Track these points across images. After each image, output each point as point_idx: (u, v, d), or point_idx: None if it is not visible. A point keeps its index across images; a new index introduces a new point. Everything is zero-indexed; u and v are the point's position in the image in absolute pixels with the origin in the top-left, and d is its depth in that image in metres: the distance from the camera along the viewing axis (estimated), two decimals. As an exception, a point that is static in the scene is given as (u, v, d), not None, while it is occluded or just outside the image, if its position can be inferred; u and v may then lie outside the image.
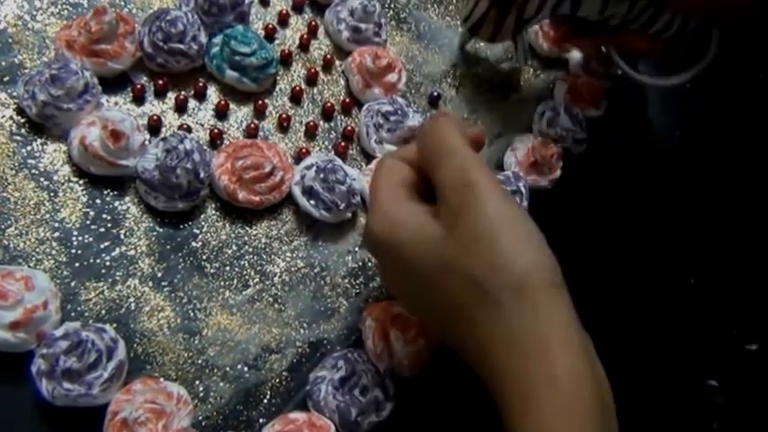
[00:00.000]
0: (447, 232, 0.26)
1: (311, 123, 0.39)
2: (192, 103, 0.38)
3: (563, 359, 0.23)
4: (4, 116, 0.34)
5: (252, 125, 0.38)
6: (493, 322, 0.24)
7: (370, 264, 0.37)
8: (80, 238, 0.33)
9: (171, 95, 0.37)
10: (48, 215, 0.33)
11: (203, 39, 0.38)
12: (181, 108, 0.37)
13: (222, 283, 0.34)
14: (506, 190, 0.26)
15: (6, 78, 0.35)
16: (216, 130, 0.37)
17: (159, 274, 0.33)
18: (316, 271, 0.36)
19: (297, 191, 0.36)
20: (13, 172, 0.33)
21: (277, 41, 0.41)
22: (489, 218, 0.25)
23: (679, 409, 0.39)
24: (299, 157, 0.38)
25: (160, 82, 0.37)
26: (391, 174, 0.29)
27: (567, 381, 0.23)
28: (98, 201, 0.34)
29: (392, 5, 0.46)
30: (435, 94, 0.43)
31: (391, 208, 0.27)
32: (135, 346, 0.31)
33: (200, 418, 0.31)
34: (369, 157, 0.40)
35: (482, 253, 0.24)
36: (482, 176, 0.26)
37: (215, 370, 0.32)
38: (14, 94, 0.34)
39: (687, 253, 0.44)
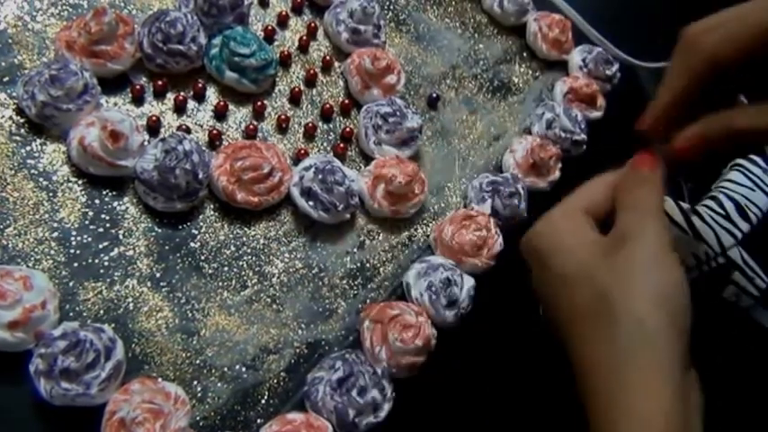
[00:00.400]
0: (605, 252, 0.27)
1: (310, 124, 0.40)
2: (191, 104, 0.38)
3: (654, 397, 0.23)
4: (3, 116, 0.34)
5: (251, 126, 0.38)
6: (607, 342, 0.25)
7: (368, 265, 0.37)
8: (79, 238, 0.33)
9: (170, 96, 0.38)
10: (47, 215, 0.33)
11: (203, 40, 0.38)
12: (180, 109, 0.37)
13: (220, 284, 0.34)
14: (673, 250, 0.27)
15: (6, 79, 0.35)
16: (215, 131, 0.37)
17: (158, 275, 0.33)
18: (314, 272, 0.36)
19: (295, 192, 0.36)
20: (13, 172, 0.33)
21: (276, 43, 0.42)
22: (647, 253, 0.26)
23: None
24: (298, 158, 0.38)
25: (159, 83, 0.37)
26: (583, 196, 0.30)
27: (657, 424, 0.23)
28: (97, 201, 0.34)
29: (391, 7, 0.46)
30: (434, 95, 0.43)
31: (564, 222, 0.29)
32: (133, 346, 0.31)
33: (198, 418, 0.31)
34: (367, 158, 0.40)
35: (624, 280, 0.25)
36: (657, 225, 0.27)
37: (213, 370, 0.32)
38: (14, 94, 0.34)
39: (678, 198, 0.44)
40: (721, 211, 0.40)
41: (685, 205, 0.40)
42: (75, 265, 0.32)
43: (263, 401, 0.32)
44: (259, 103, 0.39)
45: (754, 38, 0.27)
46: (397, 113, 0.39)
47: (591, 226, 0.29)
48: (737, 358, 0.39)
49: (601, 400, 0.24)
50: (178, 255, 0.34)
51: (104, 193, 0.34)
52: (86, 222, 0.33)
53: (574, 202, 0.30)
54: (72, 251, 0.32)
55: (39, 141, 0.34)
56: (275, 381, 0.33)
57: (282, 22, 0.42)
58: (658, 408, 0.23)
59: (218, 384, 0.32)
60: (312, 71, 0.41)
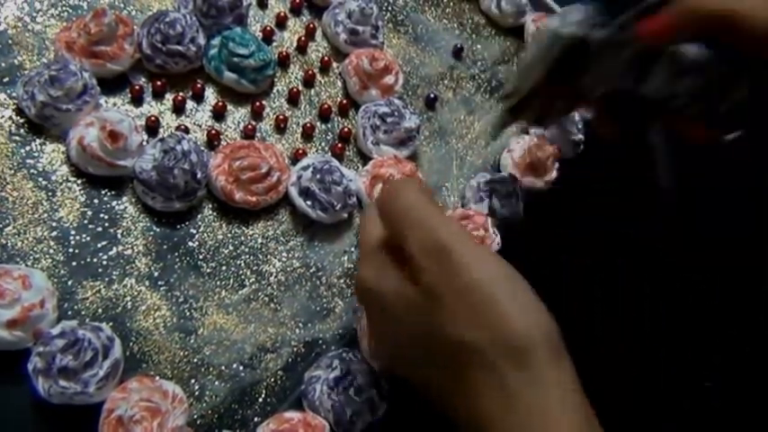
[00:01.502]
0: (432, 300, 0.24)
1: (308, 125, 0.40)
2: (189, 104, 0.38)
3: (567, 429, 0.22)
4: (3, 116, 0.34)
5: (249, 126, 0.38)
6: (490, 389, 0.23)
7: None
8: (78, 238, 0.33)
9: (169, 96, 0.38)
10: (46, 214, 0.33)
11: (202, 40, 0.38)
12: (179, 109, 0.38)
13: (218, 283, 0.34)
14: (486, 247, 0.25)
15: (6, 79, 0.35)
16: (213, 131, 0.37)
17: (156, 274, 0.33)
18: (312, 271, 0.36)
19: (293, 191, 0.37)
20: (12, 171, 0.33)
21: (275, 43, 0.42)
22: (475, 280, 0.23)
23: (676, 410, 0.39)
24: (296, 158, 0.38)
25: (158, 83, 0.37)
26: (367, 233, 0.27)
27: None
28: (96, 200, 0.34)
29: (389, 8, 0.46)
30: (432, 95, 0.43)
31: (375, 280, 0.26)
32: (131, 344, 0.32)
33: (196, 416, 0.31)
34: (365, 158, 0.40)
35: (474, 317, 0.23)
36: (455, 238, 0.24)
37: (210, 369, 0.32)
38: (14, 94, 0.34)
39: (685, 251, 0.44)
40: None
41: None
42: (74, 264, 0.32)
43: (260, 400, 0.32)
44: (257, 104, 0.39)
45: None
46: (395, 114, 0.39)
47: (392, 264, 0.25)
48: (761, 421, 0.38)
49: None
50: (176, 254, 0.34)
51: (103, 192, 0.34)
52: (85, 222, 0.33)
53: (365, 242, 0.27)
54: (71, 250, 0.33)
55: (38, 141, 0.34)
56: (273, 379, 0.33)
57: (281, 22, 0.42)
58: None
59: (216, 383, 0.32)
60: (310, 72, 0.41)
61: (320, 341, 0.35)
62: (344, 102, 0.41)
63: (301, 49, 0.42)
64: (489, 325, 0.23)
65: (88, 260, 0.33)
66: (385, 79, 0.41)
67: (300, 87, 0.41)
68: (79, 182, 0.34)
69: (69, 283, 0.32)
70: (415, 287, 0.24)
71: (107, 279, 0.33)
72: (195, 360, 0.32)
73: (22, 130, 0.34)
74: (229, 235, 0.36)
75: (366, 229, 0.28)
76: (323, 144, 0.40)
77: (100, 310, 0.32)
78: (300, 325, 0.35)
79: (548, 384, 0.22)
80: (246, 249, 0.36)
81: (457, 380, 0.24)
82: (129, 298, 0.33)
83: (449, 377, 0.24)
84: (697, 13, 0.28)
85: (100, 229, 0.34)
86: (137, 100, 0.37)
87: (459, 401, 0.24)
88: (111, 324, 0.31)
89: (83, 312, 0.32)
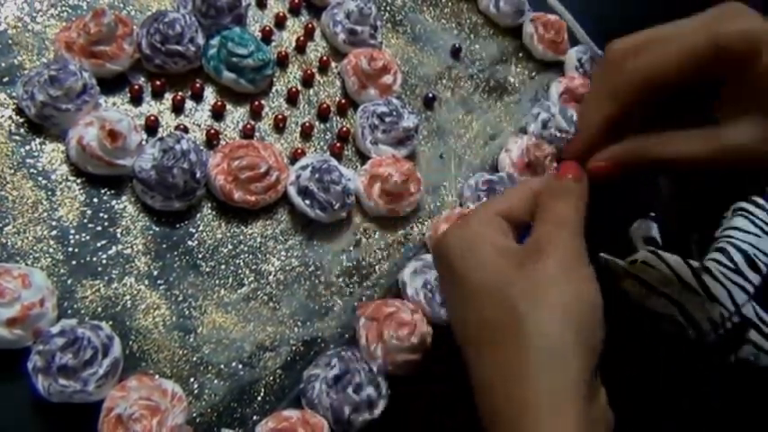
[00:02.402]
0: (519, 263, 0.25)
1: (307, 124, 0.40)
2: (189, 104, 0.38)
3: (564, 425, 0.22)
4: (3, 116, 0.34)
5: (248, 126, 0.38)
6: (512, 358, 0.24)
7: (364, 263, 0.38)
8: (77, 237, 0.33)
9: (168, 96, 0.38)
10: (45, 214, 0.33)
11: (201, 40, 0.38)
12: (178, 109, 0.38)
13: (217, 282, 0.34)
14: (589, 263, 0.26)
15: (6, 79, 0.35)
16: (212, 131, 0.38)
17: (155, 273, 0.34)
18: (310, 270, 0.36)
19: (292, 191, 0.37)
20: (12, 171, 0.33)
21: (274, 43, 0.42)
22: (556, 268, 0.25)
23: (674, 411, 0.40)
24: (295, 157, 0.39)
25: (158, 83, 0.38)
26: (503, 201, 0.28)
27: None
28: (95, 200, 0.34)
29: (388, 8, 0.46)
30: (430, 95, 0.44)
31: (481, 228, 0.27)
32: (130, 343, 0.32)
33: (195, 415, 0.31)
34: (364, 157, 0.40)
35: (535, 295, 0.24)
36: (572, 240, 0.26)
37: (210, 367, 0.32)
38: (14, 94, 0.35)
39: (686, 251, 0.44)
40: (731, 265, 0.39)
41: (695, 263, 0.39)
42: (74, 263, 0.33)
43: (259, 398, 0.32)
44: (256, 103, 0.39)
45: (686, 62, 0.26)
46: (394, 113, 0.39)
47: (507, 233, 0.27)
48: (761, 421, 0.38)
49: (502, 421, 0.23)
50: (176, 253, 0.34)
51: (103, 191, 0.35)
52: (85, 221, 0.34)
53: (493, 206, 0.28)
54: (70, 249, 0.33)
55: (38, 141, 0.34)
56: (271, 378, 0.33)
57: (280, 22, 0.43)
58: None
59: (215, 381, 0.32)
60: (309, 71, 0.41)
61: (319, 340, 0.35)
62: (343, 101, 0.41)
63: (300, 48, 0.42)
64: (540, 309, 0.24)
65: (88, 259, 0.33)
66: (383, 79, 0.41)
67: (299, 87, 0.41)
68: (79, 181, 0.34)
69: (69, 281, 0.32)
70: (511, 246, 0.26)
71: (106, 278, 0.33)
72: (194, 359, 0.32)
73: (21, 130, 0.34)
74: (228, 234, 0.36)
75: (502, 198, 0.29)
76: (321, 143, 0.40)
77: (99, 309, 0.32)
78: (299, 324, 0.35)
79: (559, 373, 0.23)
80: (245, 248, 0.36)
81: (488, 337, 0.25)
82: (128, 297, 0.33)
83: (484, 330, 0.25)
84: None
85: (99, 228, 0.34)
86: (136, 100, 0.37)
87: (481, 359, 0.25)
88: (110, 323, 0.31)
89: (82, 311, 0.32)
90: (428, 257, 0.38)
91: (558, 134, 0.43)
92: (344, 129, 0.41)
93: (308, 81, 0.41)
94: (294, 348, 0.34)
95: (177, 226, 0.35)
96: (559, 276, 0.25)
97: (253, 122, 0.39)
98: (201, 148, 0.36)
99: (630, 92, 0.27)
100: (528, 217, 0.28)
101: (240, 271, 0.35)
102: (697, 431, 0.39)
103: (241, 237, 0.36)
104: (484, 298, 0.25)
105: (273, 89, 0.41)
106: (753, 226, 0.41)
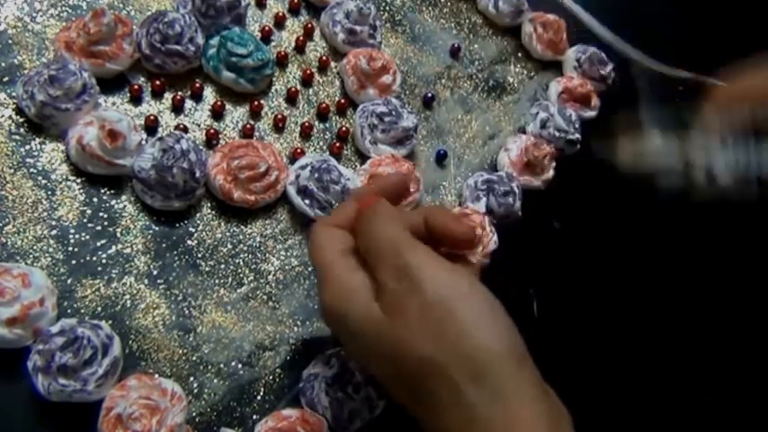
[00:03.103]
0: (395, 316, 0.24)
1: (306, 124, 0.40)
2: (188, 104, 0.38)
3: None
4: (3, 116, 0.35)
5: (248, 125, 0.39)
6: (450, 405, 0.23)
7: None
8: (77, 236, 0.33)
9: (168, 96, 0.38)
10: (45, 213, 0.33)
11: (200, 40, 0.38)
12: (177, 108, 0.38)
13: (217, 281, 0.35)
14: (448, 263, 0.25)
15: (6, 79, 0.35)
16: (212, 131, 0.38)
17: (155, 272, 0.34)
18: (310, 269, 0.36)
19: (291, 190, 0.37)
20: (12, 170, 0.33)
21: (273, 43, 0.42)
22: (432, 296, 0.24)
23: (672, 410, 0.40)
24: (294, 157, 0.39)
25: (157, 83, 0.38)
26: (333, 241, 0.28)
27: None
28: (95, 199, 0.34)
29: (387, 8, 0.46)
30: (429, 95, 0.44)
31: (344, 275, 0.26)
32: (130, 342, 0.32)
33: (194, 414, 0.31)
34: (363, 157, 0.40)
35: (431, 334, 0.23)
36: (416, 256, 0.25)
37: (209, 367, 0.32)
38: (14, 94, 0.35)
39: (683, 249, 0.44)
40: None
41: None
42: (74, 262, 0.33)
43: (258, 398, 0.33)
44: (256, 103, 0.39)
45: None
46: (393, 113, 0.39)
47: (359, 267, 0.26)
48: None
49: None
50: (175, 252, 0.34)
51: (102, 191, 0.35)
52: (84, 220, 0.34)
53: (328, 253, 0.27)
54: (70, 249, 0.33)
55: (38, 140, 0.35)
56: (271, 377, 0.33)
57: (279, 22, 0.43)
58: None
59: (215, 381, 0.32)
60: (308, 71, 0.41)
61: (318, 339, 0.35)
62: (342, 101, 0.41)
63: (299, 48, 0.42)
64: (449, 341, 0.23)
65: (87, 258, 0.33)
66: (383, 79, 0.41)
67: (299, 87, 0.41)
68: (78, 181, 0.34)
69: (69, 281, 0.32)
70: (380, 304, 0.25)
71: (106, 277, 0.33)
72: (194, 358, 0.32)
73: (21, 130, 0.34)
74: (228, 233, 0.36)
75: (320, 247, 0.28)
76: (321, 143, 0.40)
77: (99, 309, 0.32)
78: (299, 323, 0.35)
79: (507, 397, 0.22)
80: (245, 248, 0.36)
81: (420, 395, 0.24)
82: (128, 296, 0.33)
83: (414, 392, 0.25)
84: None
85: (99, 227, 0.34)
86: (136, 99, 0.37)
87: (424, 416, 0.24)
88: (110, 322, 0.31)
89: (82, 310, 0.32)
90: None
91: (557, 134, 0.44)
92: (344, 128, 0.41)
93: (307, 81, 0.41)
94: (293, 348, 0.34)
95: (177, 225, 0.35)
96: (443, 296, 0.24)
97: (252, 122, 0.39)
98: (201, 147, 0.36)
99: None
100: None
101: (240, 270, 0.35)
102: (697, 415, 0.39)
103: (240, 236, 0.36)
104: (388, 361, 0.25)
105: (273, 89, 0.41)
106: None
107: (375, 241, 0.26)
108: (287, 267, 0.36)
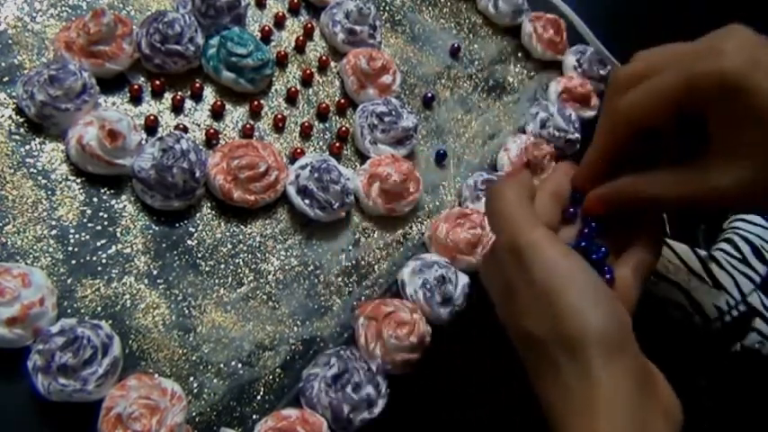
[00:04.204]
0: (509, 294, 0.27)
1: (306, 124, 0.40)
2: (188, 104, 0.38)
3: (606, 426, 0.23)
4: (3, 116, 0.35)
5: (247, 125, 0.39)
6: (550, 379, 0.25)
7: (363, 262, 0.38)
8: (77, 236, 0.33)
9: (168, 96, 0.38)
10: (45, 213, 0.33)
11: (200, 40, 0.38)
12: (177, 108, 0.38)
13: (217, 281, 0.35)
14: (564, 246, 0.26)
15: (6, 79, 0.35)
16: (212, 131, 0.38)
17: (155, 272, 0.34)
18: (309, 269, 0.36)
19: (291, 190, 0.37)
20: (12, 170, 0.33)
21: (273, 43, 0.42)
22: (539, 278, 0.25)
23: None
24: (294, 156, 0.39)
25: (157, 82, 0.38)
26: (519, 187, 0.28)
27: None
28: (95, 199, 0.34)
29: (387, 8, 0.46)
30: (429, 95, 0.44)
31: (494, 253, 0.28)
32: (130, 342, 0.32)
33: (194, 413, 0.31)
34: (363, 157, 0.40)
35: (539, 311, 0.25)
36: (532, 238, 0.26)
37: (209, 367, 0.32)
38: (14, 94, 0.35)
39: (693, 242, 0.44)
40: (738, 255, 0.40)
41: (702, 252, 0.40)
42: (74, 262, 0.33)
43: (258, 397, 0.33)
44: (256, 103, 0.39)
45: (663, 103, 0.26)
46: (393, 113, 0.40)
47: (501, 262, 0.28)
48: (762, 408, 0.38)
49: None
50: (175, 252, 0.34)
51: (102, 191, 0.35)
52: (84, 220, 0.34)
53: (523, 196, 0.28)
54: (70, 249, 0.33)
55: (38, 140, 0.35)
56: (271, 377, 0.33)
57: (279, 22, 0.43)
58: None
59: (214, 380, 0.32)
60: (308, 71, 0.41)
61: (318, 339, 0.35)
62: (342, 101, 0.41)
63: (299, 48, 0.42)
64: (551, 319, 0.25)
65: (87, 258, 0.33)
66: (382, 79, 0.41)
67: (298, 87, 0.41)
68: (78, 181, 0.34)
69: (69, 281, 0.32)
70: (500, 280, 0.27)
71: (106, 277, 0.33)
72: (194, 358, 0.32)
73: (21, 130, 0.35)
74: (228, 233, 0.36)
75: (511, 188, 0.29)
76: (321, 143, 0.40)
77: (99, 308, 0.32)
78: (298, 323, 0.35)
79: (596, 378, 0.24)
80: (245, 248, 0.36)
81: (530, 366, 0.26)
82: (128, 296, 0.33)
83: (526, 363, 0.27)
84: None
85: (99, 227, 0.34)
86: (135, 99, 0.37)
87: (535, 386, 0.26)
88: (110, 322, 0.31)
89: (82, 310, 0.32)
90: (427, 257, 0.38)
91: (557, 133, 0.44)
92: (343, 128, 0.41)
93: (307, 81, 0.41)
94: (293, 347, 0.34)
95: (177, 225, 0.35)
96: (548, 279, 0.25)
97: (252, 122, 0.39)
98: (201, 147, 0.36)
99: (622, 128, 0.28)
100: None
101: (239, 270, 0.35)
102: (698, 417, 0.39)
103: (240, 236, 0.36)
104: (508, 329, 0.27)
105: (273, 89, 0.41)
106: (760, 218, 0.42)
107: (499, 221, 0.27)
108: (287, 267, 0.36)
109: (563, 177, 0.31)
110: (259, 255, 0.36)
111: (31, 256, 0.32)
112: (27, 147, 0.34)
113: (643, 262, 0.28)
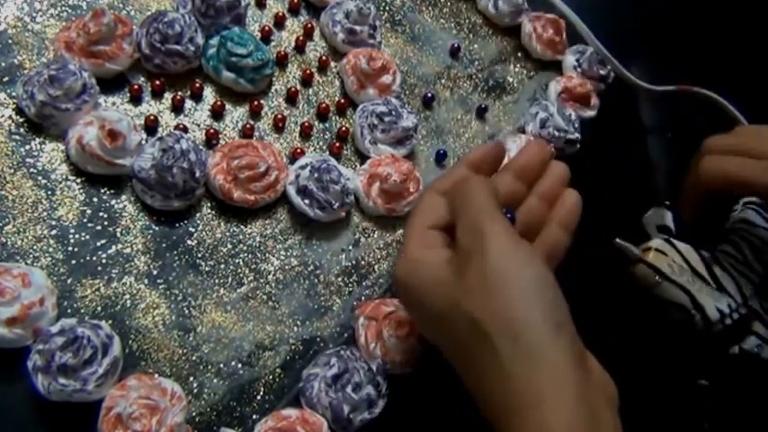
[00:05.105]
0: (458, 275, 0.27)
1: (306, 124, 0.40)
2: (188, 104, 0.38)
3: (554, 409, 0.23)
4: (3, 116, 0.35)
5: (247, 125, 0.39)
6: (491, 365, 0.25)
7: (363, 262, 0.38)
8: (77, 236, 0.33)
9: (168, 96, 0.38)
10: (45, 213, 0.33)
11: (200, 40, 0.38)
12: (177, 108, 0.38)
13: (217, 281, 0.35)
14: (520, 240, 0.27)
15: (6, 79, 0.35)
16: (212, 131, 0.38)
17: (155, 272, 0.34)
18: (309, 269, 0.36)
19: (291, 190, 0.37)
20: (12, 170, 0.33)
21: (273, 43, 0.42)
22: (493, 263, 0.26)
23: (670, 410, 0.40)
24: (294, 156, 0.39)
25: (157, 82, 0.38)
26: (426, 215, 0.30)
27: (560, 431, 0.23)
28: (95, 199, 0.34)
29: (387, 8, 0.46)
30: (429, 95, 0.44)
31: (420, 253, 0.29)
32: (130, 342, 0.32)
33: (194, 414, 0.31)
34: (363, 157, 0.40)
35: (484, 297, 0.25)
36: (494, 226, 0.27)
37: (209, 366, 0.32)
38: (13, 94, 0.35)
39: (698, 240, 0.44)
40: (740, 257, 0.40)
41: (706, 253, 0.40)
42: (74, 262, 0.33)
43: (258, 397, 0.33)
44: (256, 103, 0.39)
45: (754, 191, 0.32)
46: (393, 113, 0.40)
47: (443, 243, 0.29)
48: (761, 411, 0.38)
49: (502, 420, 0.24)
50: (175, 252, 0.34)
51: (102, 191, 0.35)
52: (84, 220, 0.34)
53: (420, 222, 0.30)
54: (70, 249, 0.33)
55: (38, 140, 0.35)
56: (271, 377, 0.33)
57: (279, 22, 0.43)
58: (557, 423, 0.23)
59: (214, 380, 0.32)
60: (308, 71, 0.41)
61: (318, 339, 0.35)
62: (342, 101, 0.41)
63: (299, 48, 0.42)
64: (496, 308, 0.25)
65: (87, 258, 0.33)
66: (382, 78, 0.41)
67: (298, 87, 0.41)
68: (78, 181, 0.34)
69: (69, 281, 0.32)
70: (450, 264, 0.27)
71: (106, 277, 0.33)
72: (194, 358, 0.32)
73: (21, 130, 0.35)
74: (228, 233, 0.36)
75: (422, 212, 0.30)
76: (321, 143, 0.40)
77: (99, 308, 0.32)
78: (298, 323, 0.35)
79: (540, 361, 0.24)
80: (245, 248, 0.36)
81: (467, 355, 0.26)
82: (128, 296, 0.33)
83: (461, 351, 0.27)
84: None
85: (99, 227, 0.34)
86: (135, 99, 0.37)
87: (469, 376, 0.26)
88: (110, 322, 0.31)
89: (82, 310, 0.32)
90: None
91: (557, 133, 0.44)
92: (343, 128, 0.41)
93: (307, 81, 0.41)
94: (293, 347, 0.34)
95: (177, 225, 0.35)
96: (498, 272, 0.26)
97: (252, 122, 0.39)
98: (201, 147, 0.36)
99: (704, 194, 0.34)
100: (450, 218, 0.29)
101: (239, 270, 0.35)
102: (698, 418, 0.39)
103: (240, 236, 0.36)
104: (448, 322, 0.27)
105: (273, 89, 0.41)
106: (763, 220, 0.42)
107: (465, 206, 0.28)
108: (287, 267, 0.36)
109: (532, 157, 0.33)
110: (259, 255, 0.36)
111: (31, 256, 0.32)
112: (27, 147, 0.34)
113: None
